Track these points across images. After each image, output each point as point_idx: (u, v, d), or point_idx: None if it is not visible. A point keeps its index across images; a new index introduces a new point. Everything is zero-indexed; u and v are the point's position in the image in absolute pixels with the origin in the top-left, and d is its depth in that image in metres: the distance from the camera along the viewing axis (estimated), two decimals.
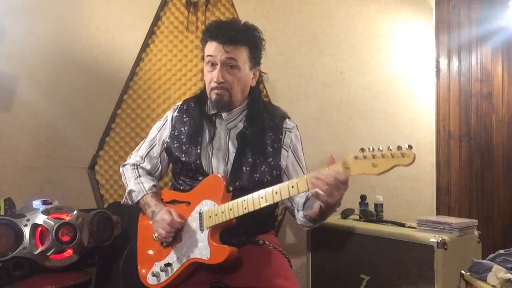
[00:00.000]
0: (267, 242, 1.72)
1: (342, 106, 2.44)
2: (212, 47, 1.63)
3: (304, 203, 1.63)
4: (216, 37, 1.62)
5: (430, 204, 2.41)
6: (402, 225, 1.91)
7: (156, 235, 1.65)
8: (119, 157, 2.58)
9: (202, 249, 1.56)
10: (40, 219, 1.94)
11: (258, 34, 1.69)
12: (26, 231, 1.89)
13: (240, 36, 1.62)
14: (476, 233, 1.82)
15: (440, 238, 1.65)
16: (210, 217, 1.56)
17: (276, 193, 1.46)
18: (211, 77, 1.65)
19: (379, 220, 2.04)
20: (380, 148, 1.28)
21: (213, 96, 1.66)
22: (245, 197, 1.51)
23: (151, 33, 2.57)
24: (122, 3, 2.58)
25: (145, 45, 2.57)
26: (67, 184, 2.54)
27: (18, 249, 1.86)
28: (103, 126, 2.57)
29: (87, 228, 2.06)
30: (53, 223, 1.94)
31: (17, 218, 1.92)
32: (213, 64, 1.64)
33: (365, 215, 2.07)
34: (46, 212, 1.97)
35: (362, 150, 1.31)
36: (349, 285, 1.91)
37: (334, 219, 2.09)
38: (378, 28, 2.44)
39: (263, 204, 1.48)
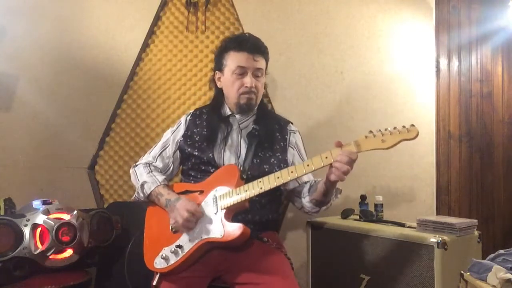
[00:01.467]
0: (270, 241, 1.77)
1: (342, 106, 2.44)
2: (243, 57, 1.79)
3: (308, 190, 1.77)
4: (246, 48, 1.79)
5: (430, 204, 2.40)
6: (402, 225, 1.91)
7: (172, 223, 1.66)
8: (119, 157, 2.58)
9: (215, 228, 1.60)
10: (40, 219, 1.94)
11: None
12: (26, 231, 1.89)
13: (263, 49, 1.84)
14: (476, 233, 1.81)
15: (440, 238, 1.65)
16: (224, 199, 1.62)
17: (292, 172, 1.58)
18: (242, 83, 1.79)
19: (379, 220, 2.04)
20: (387, 128, 1.48)
21: (243, 100, 1.81)
22: (260, 178, 1.61)
23: (151, 33, 2.58)
24: (122, 3, 2.58)
25: (145, 45, 2.58)
26: (67, 184, 2.54)
27: (18, 249, 1.87)
28: (103, 126, 2.57)
29: (87, 228, 2.06)
30: (53, 223, 1.94)
31: (17, 218, 1.92)
32: (242, 73, 1.79)
33: (365, 215, 2.07)
34: (46, 212, 1.97)
35: (371, 132, 1.51)
36: (349, 285, 1.91)
37: (334, 219, 2.09)
38: (378, 28, 2.44)
39: (279, 183, 1.58)
